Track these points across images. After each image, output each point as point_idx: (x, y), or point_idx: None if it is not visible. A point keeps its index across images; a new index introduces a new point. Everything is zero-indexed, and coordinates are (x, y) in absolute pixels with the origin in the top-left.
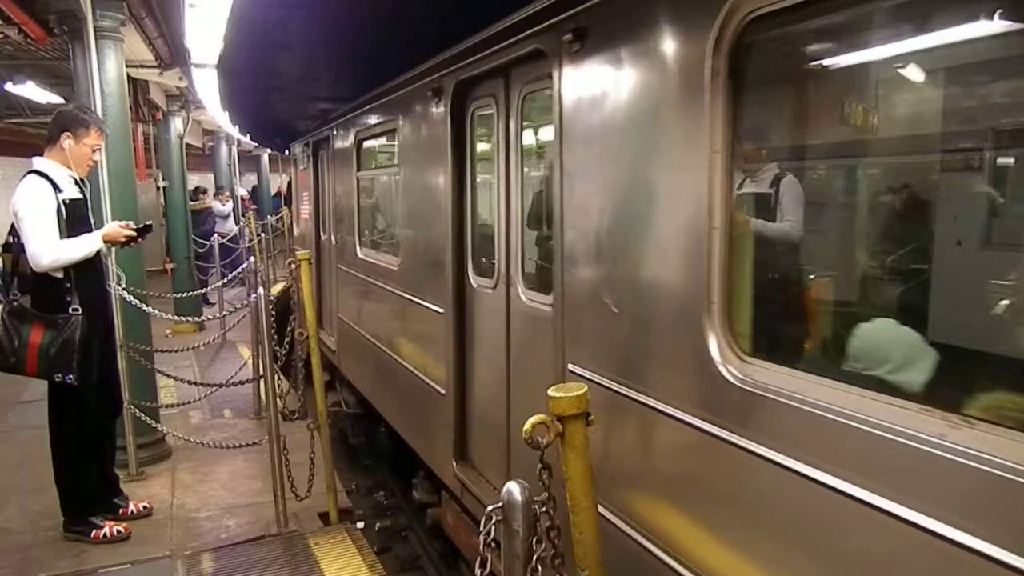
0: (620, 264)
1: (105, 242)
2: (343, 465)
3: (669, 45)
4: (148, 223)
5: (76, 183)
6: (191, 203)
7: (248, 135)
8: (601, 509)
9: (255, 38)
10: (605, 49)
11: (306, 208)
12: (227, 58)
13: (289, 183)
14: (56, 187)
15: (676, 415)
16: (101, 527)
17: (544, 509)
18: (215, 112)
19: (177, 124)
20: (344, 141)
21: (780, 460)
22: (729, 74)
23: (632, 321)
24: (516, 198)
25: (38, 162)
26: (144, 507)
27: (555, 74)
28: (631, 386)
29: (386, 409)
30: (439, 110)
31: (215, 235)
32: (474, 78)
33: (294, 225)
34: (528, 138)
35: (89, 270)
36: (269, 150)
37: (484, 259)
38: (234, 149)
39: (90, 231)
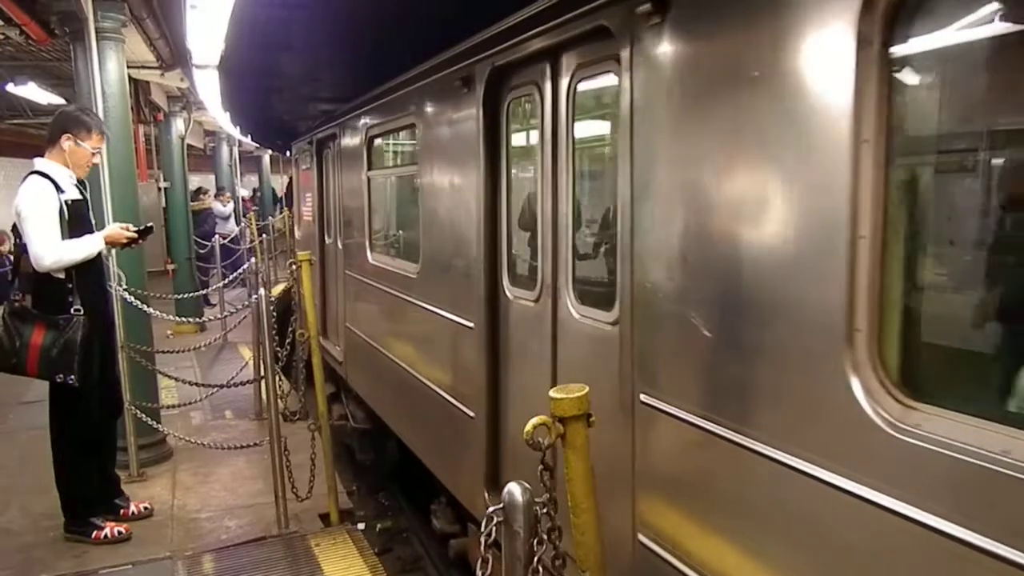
0: (715, 278)
1: (106, 243)
2: (344, 466)
3: (793, 8)
4: (149, 224)
5: (76, 184)
6: (192, 204)
7: (249, 136)
8: None
9: (256, 38)
10: (696, 19)
11: (308, 210)
12: (228, 59)
13: (290, 183)
14: (58, 188)
15: (786, 461)
16: (102, 528)
17: (545, 510)
18: (216, 113)
19: (178, 125)
20: (352, 138)
21: (984, 544)
22: (885, 42)
23: (730, 347)
24: (566, 200)
25: (40, 163)
26: (145, 508)
27: (624, 54)
28: (727, 425)
29: (403, 430)
30: (469, 101)
31: (216, 236)
32: (512, 64)
33: (295, 228)
34: (581, 130)
35: (90, 271)
36: (270, 151)
37: (522, 268)
38: (235, 150)
39: (91, 232)
